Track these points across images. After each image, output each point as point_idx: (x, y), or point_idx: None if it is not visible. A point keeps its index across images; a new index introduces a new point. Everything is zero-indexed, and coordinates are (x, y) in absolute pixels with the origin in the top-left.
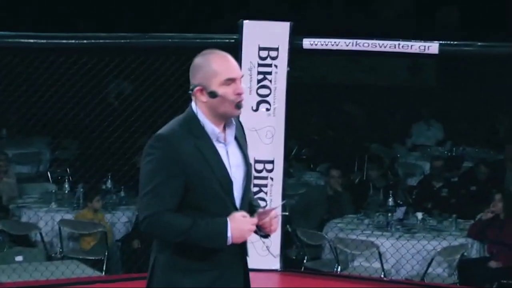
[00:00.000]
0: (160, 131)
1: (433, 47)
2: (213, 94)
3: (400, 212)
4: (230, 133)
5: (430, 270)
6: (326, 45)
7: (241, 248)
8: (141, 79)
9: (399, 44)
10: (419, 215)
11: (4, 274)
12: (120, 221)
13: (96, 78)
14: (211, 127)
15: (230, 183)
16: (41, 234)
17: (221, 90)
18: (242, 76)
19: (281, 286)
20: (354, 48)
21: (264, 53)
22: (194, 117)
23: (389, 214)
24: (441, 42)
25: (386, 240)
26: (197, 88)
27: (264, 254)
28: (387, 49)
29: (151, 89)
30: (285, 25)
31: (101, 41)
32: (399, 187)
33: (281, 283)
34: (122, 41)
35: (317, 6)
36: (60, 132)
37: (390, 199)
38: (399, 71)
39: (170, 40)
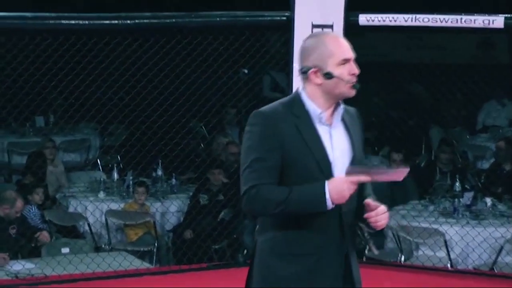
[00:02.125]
0: (260, 109)
1: (498, 21)
2: (329, 75)
3: (467, 197)
4: (337, 116)
5: (499, 259)
6: (384, 21)
7: (342, 238)
8: (188, 60)
9: (461, 19)
10: (488, 200)
11: (49, 266)
12: (170, 210)
13: (140, 60)
14: (313, 108)
15: (328, 164)
16: (89, 225)
17: (337, 71)
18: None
19: None
20: (413, 23)
21: (318, 31)
22: (297, 98)
23: (456, 200)
24: (506, 15)
25: (450, 227)
26: (312, 70)
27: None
28: (449, 24)
29: (199, 71)
30: (339, 1)
31: (145, 21)
32: (468, 170)
33: None
34: (168, 20)
35: None
36: (112, 118)
37: (457, 184)
38: (468, 48)
39: (218, 19)
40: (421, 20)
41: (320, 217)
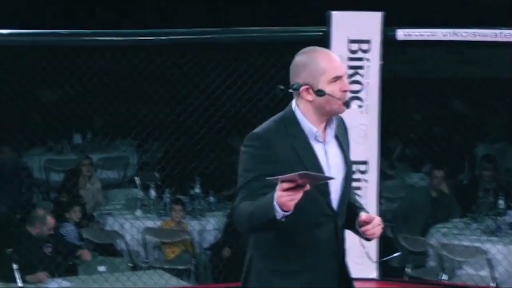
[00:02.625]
0: (255, 130)
1: None
2: (320, 93)
3: (511, 215)
4: (330, 132)
5: None
6: (422, 35)
7: (337, 251)
8: (223, 76)
9: (500, 33)
10: None
11: (84, 284)
12: (208, 228)
13: (175, 76)
14: (308, 126)
15: (326, 183)
16: (126, 243)
17: (328, 88)
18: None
19: None
20: (452, 38)
21: (354, 46)
22: (291, 116)
23: (499, 218)
24: None
25: (492, 245)
26: (304, 87)
27: (359, 262)
28: (488, 39)
29: (234, 87)
30: (376, 15)
31: (181, 37)
32: None
33: None
34: (204, 36)
35: None
36: (149, 135)
37: (500, 201)
38: None
39: (254, 34)
40: (459, 34)
41: (318, 231)
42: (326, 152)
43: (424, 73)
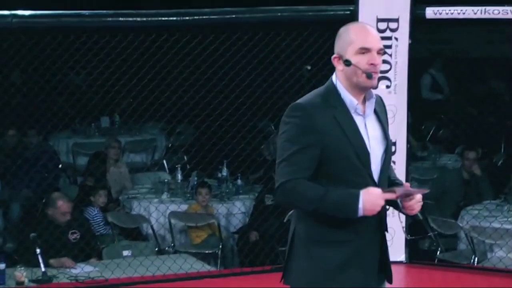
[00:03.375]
0: (297, 101)
1: None
2: (347, 63)
3: None
4: (370, 105)
5: None
6: (452, 13)
7: (380, 221)
8: (249, 57)
9: None
10: None
11: (108, 269)
12: (236, 212)
13: (200, 57)
14: (349, 98)
15: (367, 154)
16: (152, 227)
17: (354, 59)
18: (382, 50)
19: (405, 279)
20: (483, 16)
21: (383, 25)
22: (333, 88)
23: None
24: None
25: None
26: (335, 56)
27: (388, 244)
28: None
29: (260, 68)
30: None
31: (205, 17)
32: None
33: (405, 276)
34: (228, 16)
35: None
36: (175, 118)
37: None
38: None
39: (280, 14)
40: (491, 12)
41: None
42: (365, 125)
43: (459, 53)
